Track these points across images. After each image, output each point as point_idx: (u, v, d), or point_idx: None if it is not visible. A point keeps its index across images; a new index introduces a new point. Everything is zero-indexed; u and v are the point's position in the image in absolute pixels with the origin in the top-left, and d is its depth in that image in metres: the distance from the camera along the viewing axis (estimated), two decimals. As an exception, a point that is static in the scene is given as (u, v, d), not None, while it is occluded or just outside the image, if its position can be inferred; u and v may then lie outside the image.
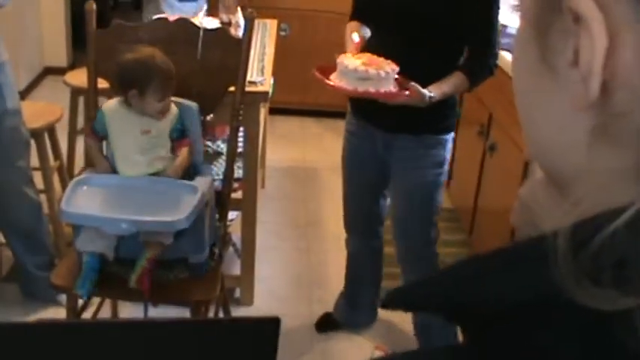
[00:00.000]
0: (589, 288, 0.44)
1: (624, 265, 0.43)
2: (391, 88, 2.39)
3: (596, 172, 0.49)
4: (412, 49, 2.47)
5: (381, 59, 2.43)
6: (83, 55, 6.56)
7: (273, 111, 4.99)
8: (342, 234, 4.13)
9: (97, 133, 2.47)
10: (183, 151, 2.47)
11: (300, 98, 5.62)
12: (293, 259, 3.92)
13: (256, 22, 2.62)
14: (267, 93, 3.03)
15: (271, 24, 4.11)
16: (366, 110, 2.66)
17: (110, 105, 2.47)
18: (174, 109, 2.47)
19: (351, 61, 2.41)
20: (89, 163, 2.63)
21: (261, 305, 3.47)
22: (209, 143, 2.96)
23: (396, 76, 2.43)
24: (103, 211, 2.28)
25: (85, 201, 2.32)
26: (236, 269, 3.39)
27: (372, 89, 2.36)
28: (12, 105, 2.96)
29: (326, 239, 4.12)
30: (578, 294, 0.44)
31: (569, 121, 0.51)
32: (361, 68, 2.35)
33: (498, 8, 2.44)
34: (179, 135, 2.47)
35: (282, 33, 4.29)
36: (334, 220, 4.28)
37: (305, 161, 5.13)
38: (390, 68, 2.38)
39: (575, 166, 0.52)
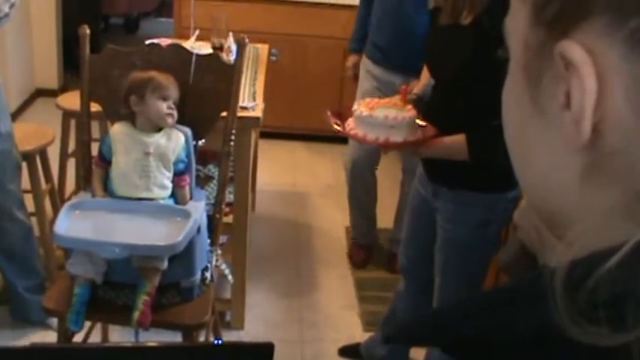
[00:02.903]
0: (584, 325, 0.45)
1: (618, 302, 0.45)
2: (411, 136, 2.35)
3: (588, 211, 0.51)
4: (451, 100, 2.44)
5: (395, 101, 2.42)
6: (74, 77, 6.62)
7: (263, 135, 5.01)
8: (332, 258, 4.17)
9: (104, 157, 2.50)
10: (185, 193, 2.52)
11: (290, 122, 5.65)
12: (284, 283, 3.93)
13: (248, 46, 2.64)
14: (258, 118, 3.06)
15: (262, 49, 4.15)
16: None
17: (117, 126, 2.52)
18: (181, 137, 2.50)
19: (380, 110, 2.33)
20: (81, 187, 2.66)
21: (252, 329, 3.47)
22: (200, 167, 2.97)
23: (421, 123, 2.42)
24: (96, 234, 2.29)
25: (78, 224, 2.33)
26: (227, 293, 3.40)
27: (393, 139, 2.31)
28: (4, 128, 2.97)
29: (316, 263, 4.13)
30: (574, 331, 0.46)
31: (561, 162, 0.53)
32: (391, 116, 2.30)
33: None
34: (184, 168, 2.51)
35: (273, 58, 4.31)
36: (324, 245, 4.31)
37: (295, 185, 5.15)
38: (409, 114, 2.35)
39: (568, 206, 0.54)
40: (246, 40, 2.60)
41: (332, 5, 5.42)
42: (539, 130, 0.56)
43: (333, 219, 4.64)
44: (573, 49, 0.49)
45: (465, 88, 2.34)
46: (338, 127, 2.41)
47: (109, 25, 9.07)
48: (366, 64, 3.75)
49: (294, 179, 5.25)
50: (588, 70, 0.49)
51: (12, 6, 2.80)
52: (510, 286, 0.54)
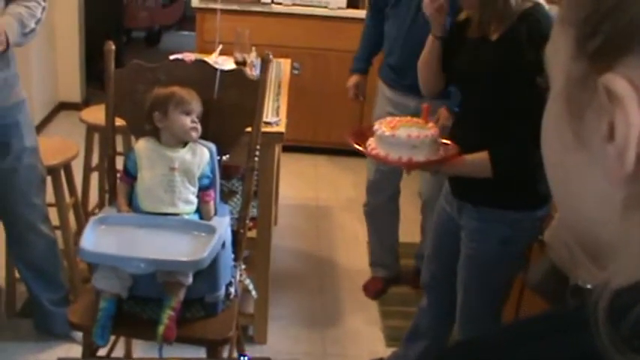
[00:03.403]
0: (628, 354, 0.45)
1: None
2: (433, 154, 2.34)
3: (631, 241, 0.51)
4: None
5: (416, 119, 2.42)
6: (96, 90, 6.66)
7: (285, 148, 5.02)
8: (355, 273, 4.16)
9: (129, 172, 2.52)
10: (209, 208, 2.53)
11: (312, 136, 5.66)
12: (306, 297, 3.93)
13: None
14: (282, 134, 3.07)
15: (285, 63, 4.15)
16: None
17: (142, 142, 2.54)
18: (205, 152, 2.51)
19: (402, 129, 2.33)
20: (104, 200, 2.67)
21: (274, 344, 3.47)
22: (223, 182, 2.97)
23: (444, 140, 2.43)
24: (121, 250, 2.30)
25: (104, 240, 2.34)
26: (249, 307, 3.40)
27: (416, 158, 2.30)
28: (30, 143, 3.00)
29: (339, 278, 4.12)
30: (617, 359, 0.46)
31: (603, 193, 0.53)
32: (413, 135, 2.29)
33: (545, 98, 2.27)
34: (208, 184, 2.52)
35: (295, 71, 4.32)
36: (347, 259, 4.31)
37: (317, 199, 5.15)
38: (431, 132, 2.34)
39: (610, 236, 0.54)
40: (271, 57, 2.61)
41: (353, 19, 5.42)
42: (581, 160, 0.55)
43: (356, 233, 4.63)
44: (617, 82, 0.49)
45: (491, 102, 2.33)
46: (359, 148, 2.40)
47: (131, 38, 9.12)
48: (380, 87, 3.69)
49: (317, 193, 5.25)
50: (632, 102, 0.49)
51: (38, 21, 2.82)
52: (551, 314, 0.54)
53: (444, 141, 2.45)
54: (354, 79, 3.86)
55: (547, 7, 2.28)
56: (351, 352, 3.49)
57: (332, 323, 3.71)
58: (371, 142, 2.41)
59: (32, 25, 2.78)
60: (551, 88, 0.59)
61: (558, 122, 0.59)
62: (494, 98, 2.30)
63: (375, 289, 4.01)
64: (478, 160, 2.35)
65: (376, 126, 2.39)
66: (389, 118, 2.46)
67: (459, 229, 2.61)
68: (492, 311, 2.69)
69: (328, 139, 5.68)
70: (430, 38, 2.57)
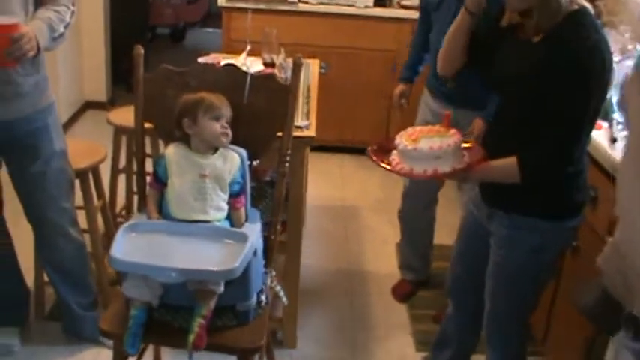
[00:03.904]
0: None
1: None
2: (458, 162, 2.31)
3: None
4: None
5: (437, 128, 2.38)
6: (122, 90, 6.67)
7: (311, 148, 5.00)
8: (384, 275, 4.12)
9: (159, 179, 2.50)
10: (240, 215, 2.52)
11: (338, 135, 5.63)
12: (335, 301, 3.90)
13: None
14: (312, 138, 3.04)
15: (313, 64, 4.12)
16: None
17: (171, 148, 2.52)
18: (236, 158, 2.49)
19: (424, 142, 2.29)
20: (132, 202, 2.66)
21: (303, 348, 3.45)
22: (252, 185, 2.95)
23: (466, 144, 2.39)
24: (152, 258, 2.27)
25: (134, 247, 2.31)
26: (278, 311, 3.37)
27: (441, 169, 2.26)
28: (59, 147, 2.98)
29: (368, 281, 4.09)
30: None
31: None
32: (435, 147, 2.26)
33: (584, 103, 2.17)
34: (239, 190, 2.50)
35: (322, 70, 4.29)
36: (376, 261, 4.28)
37: (345, 200, 5.12)
38: (454, 140, 2.30)
39: None
40: (302, 60, 2.57)
41: (380, 18, 5.39)
42: None
43: (385, 234, 4.60)
44: None
45: (530, 105, 2.28)
46: (384, 165, 2.37)
47: (156, 35, 9.13)
48: (424, 94, 3.63)
49: (344, 193, 5.22)
50: None
51: (67, 26, 2.80)
52: None
53: (467, 145, 2.41)
54: (399, 88, 3.81)
55: (592, 10, 2.23)
56: (380, 357, 3.46)
57: (361, 327, 3.69)
58: (394, 156, 2.37)
59: (61, 29, 2.76)
60: (631, 131, 0.57)
61: (637, 166, 0.57)
62: (534, 101, 2.24)
63: (402, 292, 3.98)
64: (505, 166, 2.31)
65: (397, 140, 2.36)
66: (410, 130, 2.41)
67: (487, 235, 2.57)
68: (520, 320, 2.65)
69: (354, 138, 5.65)
70: (462, 11, 2.50)
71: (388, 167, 2.36)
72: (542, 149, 2.24)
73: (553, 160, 2.25)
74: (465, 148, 2.37)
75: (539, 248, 2.45)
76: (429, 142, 2.27)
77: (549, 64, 2.18)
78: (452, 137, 2.30)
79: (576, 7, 2.22)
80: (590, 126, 2.27)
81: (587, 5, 2.24)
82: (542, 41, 2.25)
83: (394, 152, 2.38)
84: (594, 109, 2.20)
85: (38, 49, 2.61)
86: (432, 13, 3.45)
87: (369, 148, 2.46)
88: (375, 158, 2.40)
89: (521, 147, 2.28)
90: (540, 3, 2.21)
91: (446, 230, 3.98)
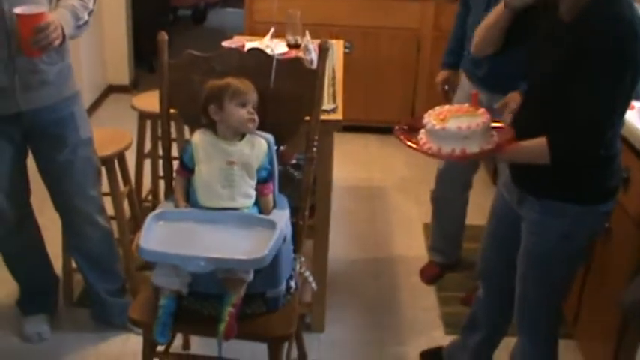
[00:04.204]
0: None
1: None
2: (487, 143, 2.26)
3: None
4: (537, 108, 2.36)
5: (466, 107, 2.33)
6: (144, 72, 6.65)
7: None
8: (412, 257, 4.09)
9: (186, 166, 2.48)
10: (269, 201, 2.49)
11: (364, 115, 5.58)
12: (363, 283, 3.88)
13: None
14: (340, 121, 3.01)
15: (337, 45, 4.08)
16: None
17: (198, 134, 2.50)
18: (263, 144, 2.47)
19: (452, 122, 2.25)
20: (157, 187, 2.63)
21: (332, 332, 3.43)
22: (279, 168, 2.93)
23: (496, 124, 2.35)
24: (181, 247, 2.25)
25: (162, 237, 2.30)
26: (307, 296, 3.36)
27: (469, 150, 2.22)
28: (85, 135, 2.97)
29: (396, 262, 4.06)
30: None
31: None
32: (464, 127, 2.21)
33: (610, 89, 2.11)
34: (267, 176, 2.48)
35: (346, 50, 4.25)
36: (403, 242, 4.26)
37: (371, 180, 5.09)
38: (482, 119, 2.25)
39: None
40: (328, 45, 2.54)
41: (404, -4, 5.34)
42: None
43: (411, 215, 4.57)
44: None
45: (563, 89, 2.22)
46: (411, 145, 2.32)
47: (177, 17, 9.10)
48: (462, 78, 3.56)
49: (370, 174, 5.19)
50: None
51: (90, 13, 2.79)
52: None
53: (497, 125, 2.37)
54: (441, 75, 3.74)
55: None
56: (409, 340, 3.44)
57: (389, 310, 3.67)
58: (422, 135, 2.33)
59: (86, 17, 2.75)
60: None
61: None
62: (567, 82, 2.19)
63: (430, 275, 3.95)
64: (535, 147, 2.25)
65: (426, 119, 2.31)
66: (438, 108, 2.36)
67: (518, 219, 2.53)
68: (549, 305, 2.61)
69: (380, 117, 5.60)
70: (500, 5, 2.45)
71: (415, 147, 2.32)
72: (574, 130, 2.18)
73: (584, 142, 2.19)
74: (495, 128, 2.32)
75: (570, 234, 2.40)
76: (457, 121, 2.23)
77: (581, 44, 2.12)
78: (481, 117, 2.26)
79: None
80: (624, 107, 2.21)
81: None
82: (574, 21, 2.19)
83: (422, 131, 2.34)
84: (628, 90, 2.14)
85: (64, 37, 2.59)
86: None
87: (397, 127, 2.43)
88: (402, 137, 2.36)
89: (552, 128, 2.23)
90: None
91: (476, 211, 3.91)
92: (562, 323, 2.85)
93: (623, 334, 2.69)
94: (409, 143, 2.33)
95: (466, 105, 2.35)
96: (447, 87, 3.71)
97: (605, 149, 2.26)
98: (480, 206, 3.75)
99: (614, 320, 2.77)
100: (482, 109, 2.31)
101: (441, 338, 3.43)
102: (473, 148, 2.22)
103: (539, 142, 2.22)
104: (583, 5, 2.17)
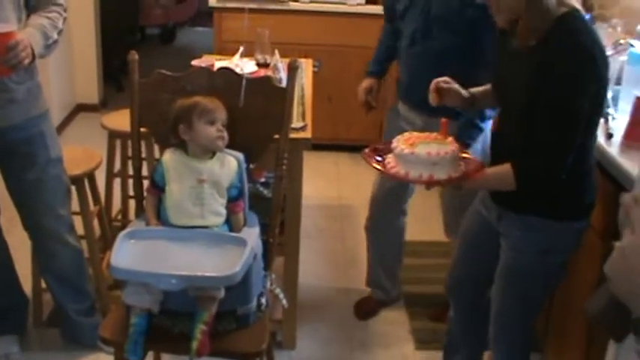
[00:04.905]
0: None
1: None
2: (455, 171, 2.30)
3: None
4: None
5: (435, 135, 2.37)
6: (113, 91, 6.64)
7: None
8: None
9: (157, 184, 2.49)
10: (239, 219, 2.51)
11: (333, 133, 5.61)
12: (334, 300, 3.90)
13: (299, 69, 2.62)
14: (309, 139, 3.04)
15: (306, 63, 4.11)
16: None
17: (168, 153, 2.51)
18: (233, 162, 2.48)
19: (421, 147, 2.28)
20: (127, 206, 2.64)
21: (303, 349, 3.45)
22: (249, 185, 2.95)
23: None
24: (152, 266, 2.27)
25: (133, 255, 2.31)
26: (278, 313, 3.37)
27: (437, 176, 2.25)
28: (55, 154, 2.97)
29: (365, 278, 4.08)
30: None
31: None
32: (433, 152, 2.25)
33: (576, 110, 2.16)
34: (237, 194, 2.50)
35: (315, 69, 4.28)
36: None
37: (340, 198, 5.11)
38: (451, 148, 2.30)
39: None
40: (297, 64, 2.57)
41: (372, 15, 5.36)
42: None
43: (380, 232, 4.59)
44: None
45: (527, 114, 2.27)
46: (378, 167, 2.37)
47: (146, 36, 9.09)
48: (397, 102, 3.43)
49: (339, 192, 5.21)
50: None
51: (60, 32, 2.80)
52: None
53: (465, 155, 2.42)
54: (366, 82, 3.55)
55: (584, 12, 2.22)
56: (380, 356, 3.46)
57: (359, 326, 3.69)
58: (390, 159, 2.37)
59: (55, 36, 2.75)
60: None
61: None
62: (529, 109, 2.24)
63: (366, 311, 3.81)
64: (501, 174, 2.31)
65: (394, 143, 2.35)
66: (407, 134, 2.40)
67: (495, 236, 2.56)
68: (527, 321, 2.64)
69: (349, 136, 5.63)
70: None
71: (383, 169, 2.36)
72: (536, 157, 2.24)
73: (546, 168, 2.25)
74: (463, 158, 2.38)
75: (549, 250, 2.44)
76: (426, 147, 2.27)
77: (541, 71, 2.18)
78: (450, 145, 2.30)
79: (565, 9, 2.20)
80: (590, 130, 2.27)
81: (577, 5, 2.22)
82: (535, 48, 2.24)
83: (389, 155, 2.38)
84: (591, 113, 2.20)
85: (33, 56, 2.60)
86: (398, 21, 3.26)
87: (365, 151, 2.46)
88: (369, 160, 2.40)
89: (519, 153, 2.28)
90: (526, 10, 2.20)
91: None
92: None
93: (590, 345, 2.73)
94: (376, 165, 2.37)
95: (435, 133, 2.39)
96: (370, 97, 3.52)
97: (580, 165, 2.31)
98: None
99: (581, 332, 2.81)
100: (450, 138, 2.36)
101: (412, 353, 3.47)
102: (441, 174, 2.26)
103: (505, 170, 2.28)
104: (542, 33, 2.21)
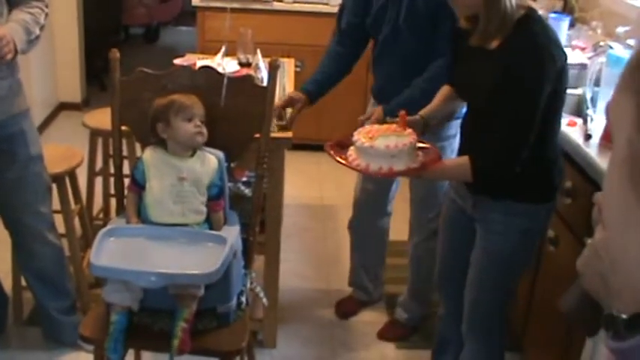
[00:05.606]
0: None
1: None
2: (413, 161, 2.35)
3: None
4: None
5: (394, 127, 2.41)
6: (96, 90, 6.62)
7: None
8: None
9: (137, 182, 2.49)
10: (219, 217, 2.51)
11: (315, 134, 5.61)
12: (313, 299, 3.91)
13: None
14: (290, 139, 3.05)
15: (288, 63, 4.12)
16: None
17: (149, 151, 2.51)
18: (213, 160, 2.49)
19: (380, 140, 2.31)
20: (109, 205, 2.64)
21: (284, 348, 3.46)
22: (230, 185, 2.95)
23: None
24: (132, 263, 2.27)
25: (113, 253, 2.32)
26: (258, 312, 3.37)
27: (396, 167, 2.30)
28: (35, 151, 2.97)
29: (346, 278, 4.08)
30: None
31: None
32: (392, 145, 2.29)
33: (529, 107, 2.24)
34: (218, 193, 2.50)
35: (297, 69, 4.29)
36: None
37: (322, 198, 5.13)
38: (409, 139, 2.34)
39: None
40: (278, 63, 2.58)
41: (355, 15, 5.39)
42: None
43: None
44: None
45: (486, 112, 2.35)
46: (341, 161, 2.40)
47: (129, 35, 9.08)
48: (371, 103, 3.46)
49: (321, 192, 5.22)
50: None
51: (42, 28, 2.80)
52: None
53: (423, 145, 2.46)
54: (293, 93, 3.38)
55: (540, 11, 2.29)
56: (360, 355, 3.48)
57: (340, 325, 3.70)
58: (351, 152, 2.42)
59: (37, 31, 2.75)
60: (615, 152, 0.59)
61: (619, 181, 0.59)
62: (487, 107, 2.34)
63: (346, 311, 3.82)
64: (458, 166, 2.40)
65: (355, 136, 2.39)
66: (367, 127, 2.47)
67: (471, 222, 2.60)
68: (502, 311, 2.68)
69: (331, 136, 5.61)
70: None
71: (345, 162, 2.40)
72: (490, 150, 2.32)
73: (501, 162, 2.33)
74: (421, 148, 2.43)
75: (527, 231, 2.51)
76: (385, 140, 2.32)
77: (501, 73, 2.25)
78: (408, 137, 2.35)
79: (523, 11, 2.28)
80: (555, 119, 2.38)
81: (534, 6, 2.33)
82: (495, 52, 2.32)
83: (351, 148, 2.43)
84: (546, 109, 2.26)
85: (15, 51, 2.60)
86: (366, 33, 3.30)
87: (328, 143, 2.52)
88: (332, 153, 2.46)
89: (477, 148, 2.36)
90: (485, 8, 2.26)
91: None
92: (510, 336, 2.91)
93: (568, 343, 2.75)
94: (339, 159, 2.42)
95: (394, 125, 2.43)
96: (284, 111, 3.21)
97: (551, 152, 2.42)
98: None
99: (560, 330, 2.83)
100: (409, 130, 2.40)
101: (393, 352, 3.49)
102: (399, 166, 2.32)
103: (462, 161, 2.36)
104: (503, 35, 2.29)
